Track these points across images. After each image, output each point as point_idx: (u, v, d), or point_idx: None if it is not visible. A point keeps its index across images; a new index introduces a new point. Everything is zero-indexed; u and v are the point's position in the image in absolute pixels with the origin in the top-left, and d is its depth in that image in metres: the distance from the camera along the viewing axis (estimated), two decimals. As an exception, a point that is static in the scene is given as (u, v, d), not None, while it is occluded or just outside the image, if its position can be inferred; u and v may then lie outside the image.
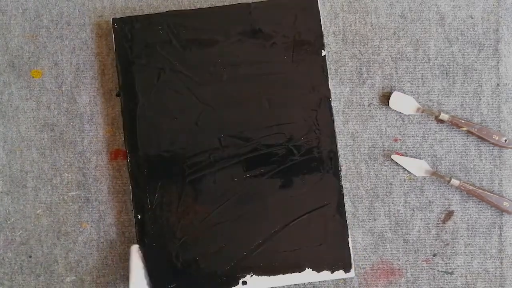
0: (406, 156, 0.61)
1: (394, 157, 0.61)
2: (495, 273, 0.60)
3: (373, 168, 0.61)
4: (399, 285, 0.60)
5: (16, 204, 0.61)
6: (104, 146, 0.61)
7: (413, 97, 0.61)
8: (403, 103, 0.61)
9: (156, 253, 0.58)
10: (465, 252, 0.61)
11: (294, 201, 0.58)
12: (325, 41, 0.60)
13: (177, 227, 0.58)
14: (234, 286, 0.58)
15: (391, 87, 0.61)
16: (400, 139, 0.61)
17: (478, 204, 0.61)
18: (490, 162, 0.61)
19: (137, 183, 0.59)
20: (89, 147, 0.61)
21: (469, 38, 0.62)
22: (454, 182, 0.59)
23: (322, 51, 0.59)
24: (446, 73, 0.62)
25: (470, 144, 0.61)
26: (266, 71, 0.59)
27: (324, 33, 0.61)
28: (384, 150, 0.61)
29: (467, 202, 0.61)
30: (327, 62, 0.60)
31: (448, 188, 0.61)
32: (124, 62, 0.59)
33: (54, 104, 0.61)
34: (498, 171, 0.61)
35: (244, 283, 0.58)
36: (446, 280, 0.60)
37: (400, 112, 0.61)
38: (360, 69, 0.62)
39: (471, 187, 0.60)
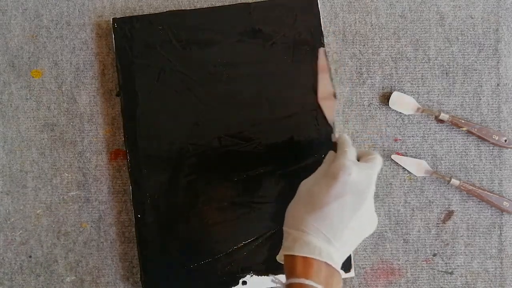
0: (406, 156, 0.61)
1: (394, 157, 0.61)
2: (495, 273, 0.60)
3: (373, 168, 0.61)
4: (399, 285, 0.60)
5: (16, 204, 0.61)
6: (104, 146, 0.61)
7: (413, 97, 0.61)
8: (403, 103, 0.61)
9: (156, 253, 0.58)
10: (465, 252, 0.61)
11: (294, 201, 0.58)
12: (325, 41, 0.60)
13: (177, 227, 0.58)
14: (234, 286, 0.58)
15: (391, 87, 0.61)
16: (400, 139, 0.61)
17: (478, 204, 0.61)
18: (490, 162, 0.61)
19: (137, 183, 0.59)
20: (89, 147, 0.61)
21: (469, 38, 0.62)
22: (454, 182, 0.59)
23: (322, 51, 0.60)
24: (446, 73, 0.62)
25: (470, 144, 0.61)
26: (266, 71, 0.59)
27: (324, 33, 0.61)
28: (384, 150, 0.61)
29: (467, 202, 0.61)
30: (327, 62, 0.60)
31: (448, 188, 0.61)
32: (124, 62, 0.59)
33: (54, 104, 0.61)
34: (498, 171, 0.61)
35: (244, 283, 0.58)
36: (446, 280, 0.60)
37: (400, 112, 0.61)
38: (360, 69, 0.62)
39: (471, 187, 0.60)
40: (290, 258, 0.45)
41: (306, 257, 0.44)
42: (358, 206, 0.45)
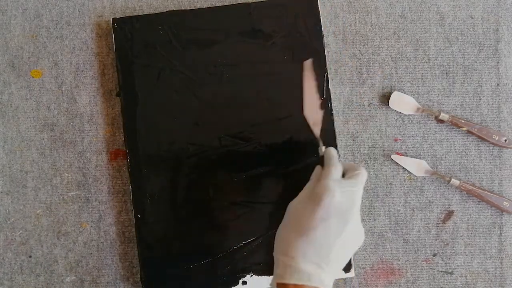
0: (406, 156, 0.61)
1: (394, 157, 0.61)
2: (495, 273, 0.60)
3: (373, 168, 0.61)
4: (399, 285, 0.60)
5: (16, 204, 0.61)
6: (104, 146, 0.61)
7: (413, 97, 0.61)
8: (403, 103, 0.61)
9: (156, 253, 0.58)
10: (465, 252, 0.61)
11: (294, 201, 0.58)
12: (325, 41, 0.60)
13: (177, 227, 0.58)
14: (234, 286, 0.58)
15: (391, 87, 0.61)
16: (400, 139, 0.61)
17: (478, 204, 0.61)
18: (490, 162, 0.61)
19: (137, 183, 0.59)
20: (89, 147, 0.61)
21: (469, 38, 0.62)
22: (454, 182, 0.59)
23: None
24: (446, 73, 0.62)
25: (470, 144, 0.61)
26: (266, 71, 0.59)
27: (324, 33, 0.61)
28: (384, 150, 0.61)
29: (467, 202, 0.61)
30: (327, 62, 0.60)
31: (448, 188, 0.61)
32: (124, 62, 0.59)
33: (54, 104, 0.61)
34: (498, 171, 0.61)
35: (244, 283, 0.58)
36: (446, 280, 0.60)
37: (400, 112, 0.61)
38: (360, 69, 0.62)
39: (471, 187, 0.60)
40: (282, 286, 0.46)
41: (297, 284, 0.45)
42: (342, 227, 0.47)
